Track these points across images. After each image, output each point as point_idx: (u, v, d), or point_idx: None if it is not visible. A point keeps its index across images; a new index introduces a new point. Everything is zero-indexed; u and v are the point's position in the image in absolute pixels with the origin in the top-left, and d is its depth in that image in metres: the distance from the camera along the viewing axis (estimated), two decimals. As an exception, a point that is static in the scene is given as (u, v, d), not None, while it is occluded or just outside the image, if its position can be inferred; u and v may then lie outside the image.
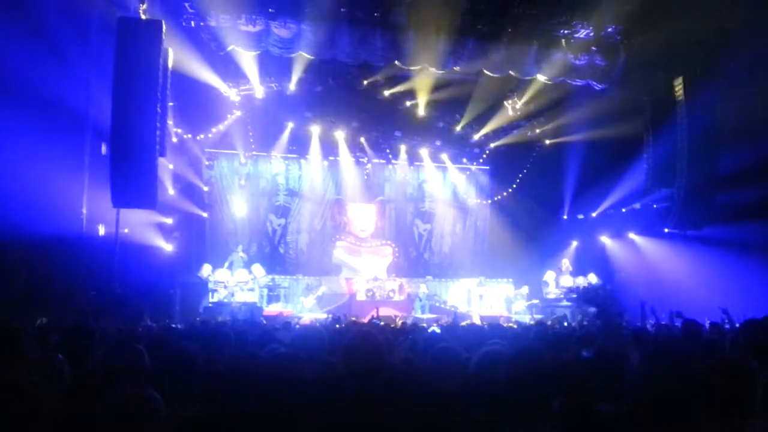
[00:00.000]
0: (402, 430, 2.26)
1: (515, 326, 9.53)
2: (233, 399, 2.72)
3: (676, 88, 13.10)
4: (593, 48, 13.49)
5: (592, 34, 13.19)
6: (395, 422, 2.25)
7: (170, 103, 13.01)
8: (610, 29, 13.22)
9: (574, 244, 18.48)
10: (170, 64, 12.31)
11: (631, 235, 17.16)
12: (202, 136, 16.34)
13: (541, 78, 14.15)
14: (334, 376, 2.97)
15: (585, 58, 13.67)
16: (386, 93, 16.13)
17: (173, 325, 10.27)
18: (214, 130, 16.40)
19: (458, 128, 17.84)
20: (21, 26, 10.43)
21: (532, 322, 11.91)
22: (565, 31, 13.15)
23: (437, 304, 17.30)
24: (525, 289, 17.19)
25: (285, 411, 2.56)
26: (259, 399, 2.65)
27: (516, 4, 12.17)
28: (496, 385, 2.65)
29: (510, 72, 13.91)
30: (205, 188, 17.33)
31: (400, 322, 10.05)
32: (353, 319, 9.46)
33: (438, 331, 5.57)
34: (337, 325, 8.50)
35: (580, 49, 13.55)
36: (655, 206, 15.43)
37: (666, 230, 14.78)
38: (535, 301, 16.84)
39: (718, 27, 11.27)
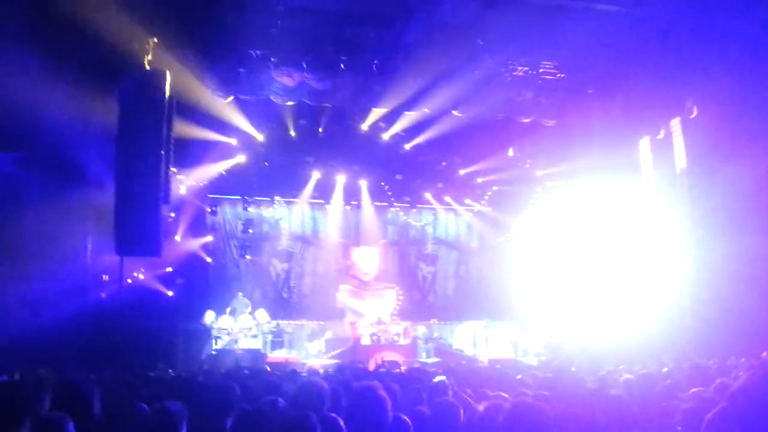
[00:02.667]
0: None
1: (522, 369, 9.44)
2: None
3: (673, 128, 13.20)
4: (590, 91, 13.59)
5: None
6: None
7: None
8: (602, 71, 13.31)
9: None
10: (174, 112, 12.45)
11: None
12: (205, 182, 16.43)
13: (539, 120, 14.30)
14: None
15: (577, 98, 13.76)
16: (385, 136, 16.24)
17: (173, 374, 10.15)
18: (216, 176, 16.49)
19: (462, 171, 17.88)
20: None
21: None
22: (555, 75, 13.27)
23: (443, 347, 17.09)
24: (531, 331, 17.02)
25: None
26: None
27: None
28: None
29: (506, 114, 14.09)
30: (209, 238, 17.34)
31: (404, 368, 9.93)
32: (360, 365, 9.34)
33: (444, 379, 5.48)
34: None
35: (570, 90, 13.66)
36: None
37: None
38: (543, 342, 16.66)
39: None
